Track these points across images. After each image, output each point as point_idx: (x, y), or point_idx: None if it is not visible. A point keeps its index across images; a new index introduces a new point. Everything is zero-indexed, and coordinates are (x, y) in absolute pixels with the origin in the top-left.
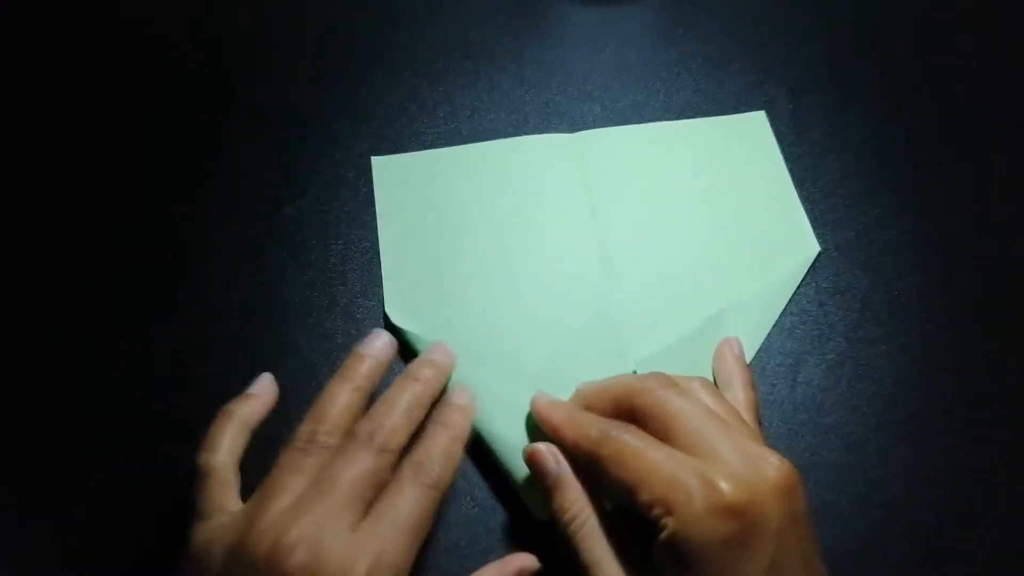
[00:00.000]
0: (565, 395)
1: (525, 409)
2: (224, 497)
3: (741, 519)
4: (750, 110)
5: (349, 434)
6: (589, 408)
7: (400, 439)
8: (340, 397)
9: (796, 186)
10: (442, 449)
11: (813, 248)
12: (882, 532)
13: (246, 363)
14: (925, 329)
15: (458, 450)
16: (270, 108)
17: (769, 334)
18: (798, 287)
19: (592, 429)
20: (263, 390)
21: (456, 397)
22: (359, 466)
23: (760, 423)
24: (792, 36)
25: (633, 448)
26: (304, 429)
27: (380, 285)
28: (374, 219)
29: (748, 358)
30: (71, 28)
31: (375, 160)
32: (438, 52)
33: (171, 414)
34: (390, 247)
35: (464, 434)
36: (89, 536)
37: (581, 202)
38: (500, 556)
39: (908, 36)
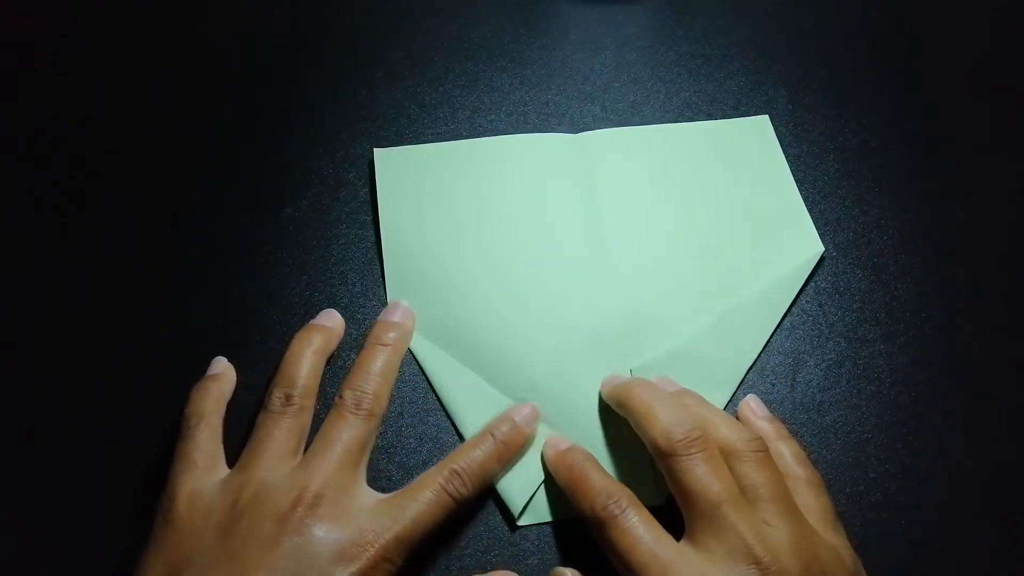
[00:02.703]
0: (565, 396)
1: None
2: (216, 447)
3: None
4: (750, 110)
5: (338, 402)
6: (608, 400)
7: (383, 404)
8: (303, 362)
9: (797, 187)
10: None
11: (817, 248)
12: (881, 532)
13: (247, 363)
14: (925, 329)
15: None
16: (270, 108)
17: (769, 335)
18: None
19: (600, 497)
20: (224, 368)
21: (391, 313)
22: (354, 430)
23: (837, 528)
24: (792, 36)
25: (631, 537)
26: (277, 394)
27: (380, 285)
28: (374, 219)
29: (751, 359)
30: (70, 28)
31: (377, 152)
32: (438, 52)
33: (171, 415)
34: (392, 241)
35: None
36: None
37: (582, 203)
38: (500, 556)
39: (908, 36)
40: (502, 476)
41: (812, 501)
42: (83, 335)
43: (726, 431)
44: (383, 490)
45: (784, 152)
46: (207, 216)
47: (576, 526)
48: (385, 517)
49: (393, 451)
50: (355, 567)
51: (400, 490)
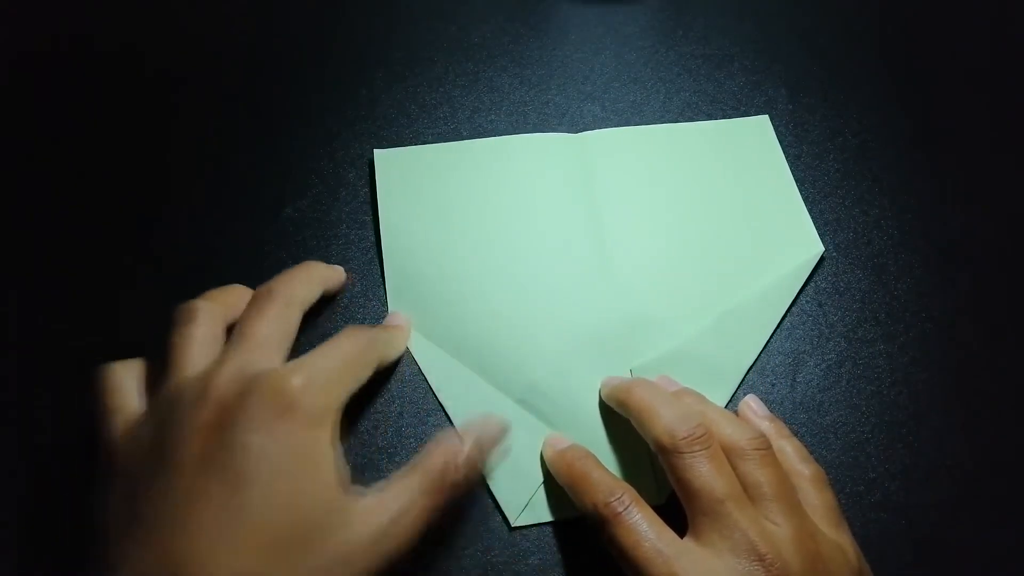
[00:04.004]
0: (565, 395)
1: (519, 412)
2: (208, 352)
3: None
4: (750, 110)
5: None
6: (608, 401)
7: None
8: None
9: (797, 187)
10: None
11: (817, 248)
12: (881, 532)
13: None
14: (924, 329)
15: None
16: (270, 108)
17: (769, 334)
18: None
19: (602, 495)
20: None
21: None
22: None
23: (841, 524)
24: (792, 36)
25: (635, 534)
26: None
27: (380, 285)
28: (374, 219)
29: (751, 361)
30: (70, 28)
31: (377, 153)
32: (438, 52)
33: None
34: (392, 241)
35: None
36: None
37: (583, 203)
38: (500, 556)
39: (908, 36)
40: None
41: (816, 498)
42: (83, 335)
43: (729, 429)
44: None
45: (784, 152)
46: (207, 216)
47: (575, 526)
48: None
49: (393, 451)
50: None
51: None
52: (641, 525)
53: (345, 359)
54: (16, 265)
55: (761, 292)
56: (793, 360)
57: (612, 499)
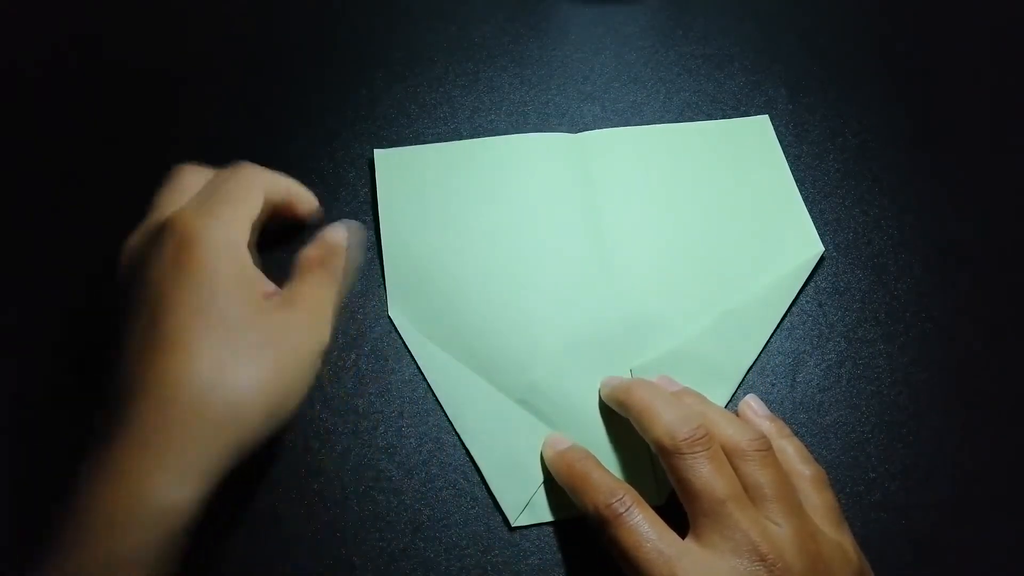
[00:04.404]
0: (565, 396)
1: (519, 412)
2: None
3: None
4: (750, 110)
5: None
6: (608, 401)
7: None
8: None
9: (796, 187)
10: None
11: (817, 248)
12: (881, 532)
13: None
14: (924, 329)
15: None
16: (270, 108)
17: (769, 334)
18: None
19: (603, 496)
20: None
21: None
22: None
23: (842, 524)
24: (792, 36)
25: (636, 535)
26: None
27: (381, 285)
28: (374, 219)
29: (751, 361)
30: (70, 29)
31: (378, 153)
32: (438, 52)
33: None
34: (392, 241)
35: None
36: None
37: (583, 203)
38: (500, 556)
39: (908, 36)
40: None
41: (816, 498)
42: (82, 336)
43: (729, 430)
44: (384, 492)
45: (784, 152)
46: None
47: (575, 526)
48: None
49: (393, 451)
50: None
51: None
52: (642, 526)
53: (234, 189)
54: (16, 265)
55: (761, 292)
56: (793, 360)
57: (613, 500)
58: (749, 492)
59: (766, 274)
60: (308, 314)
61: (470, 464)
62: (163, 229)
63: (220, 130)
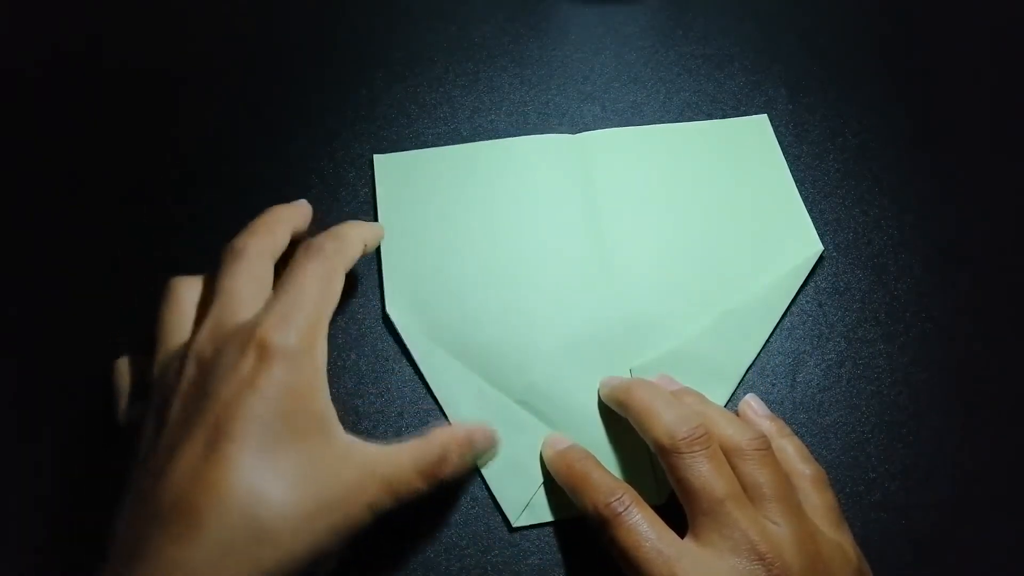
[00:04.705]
0: (565, 396)
1: (519, 413)
2: (261, 288)
3: None
4: (750, 111)
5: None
6: (608, 401)
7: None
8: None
9: (796, 187)
10: (345, 232)
11: (816, 247)
12: (881, 532)
13: None
14: (925, 329)
15: (361, 237)
16: (270, 108)
17: (768, 334)
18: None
19: (602, 495)
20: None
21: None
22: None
23: (841, 524)
24: (792, 36)
25: (636, 535)
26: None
27: (380, 285)
28: (374, 219)
29: (750, 360)
30: (70, 29)
31: (377, 158)
32: (438, 52)
33: None
34: (391, 246)
35: (374, 233)
36: None
37: (582, 203)
38: (500, 556)
39: (908, 36)
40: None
41: (816, 498)
42: (82, 336)
43: (729, 429)
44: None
45: (784, 152)
46: (207, 216)
47: (575, 526)
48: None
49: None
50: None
51: None
52: (641, 526)
53: (312, 287)
54: (16, 265)
55: (760, 291)
56: (793, 360)
57: (612, 500)
58: (748, 492)
59: (765, 273)
60: (360, 470)
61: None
62: (242, 343)
63: (220, 130)
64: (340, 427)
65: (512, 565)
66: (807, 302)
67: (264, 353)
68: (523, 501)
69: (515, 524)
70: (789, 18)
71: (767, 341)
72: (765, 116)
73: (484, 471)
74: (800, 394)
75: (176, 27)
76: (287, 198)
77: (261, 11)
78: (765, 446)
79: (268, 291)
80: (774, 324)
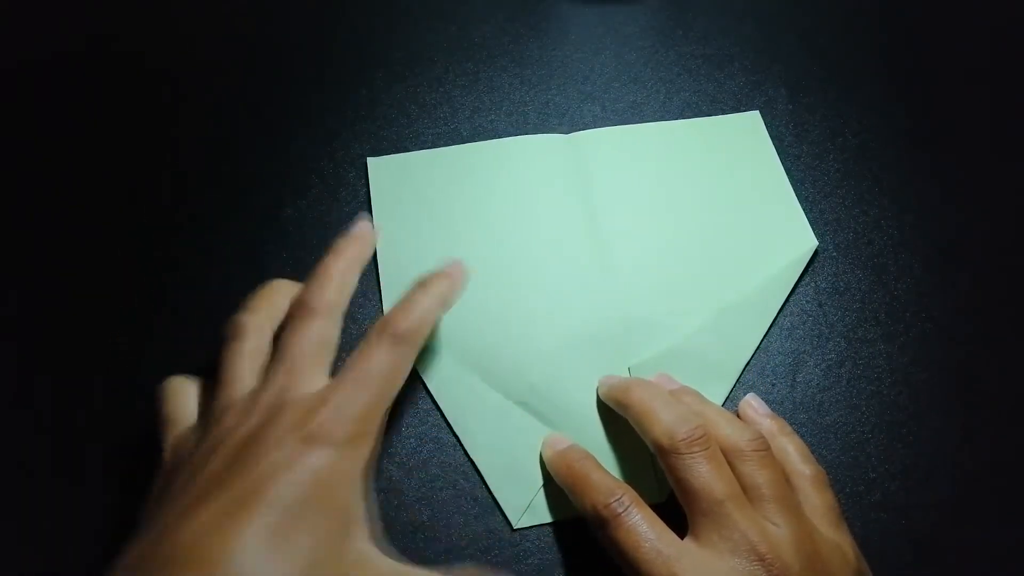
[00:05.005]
0: (564, 396)
1: (518, 413)
2: (256, 366)
3: None
4: (749, 110)
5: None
6: (607, 400)
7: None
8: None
9: (795, 186)
10: (418, 308)
11: (811, 243)
12: (881, 532)
13: None
14: (924, 329)
15: (435, 309)
16: (270, 108)
17: (768, 334)
18: (797, 287)
19: (602, 496)
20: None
21: (447, 266)
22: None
23: (840, 524)
24: (792, 36)
25: (635, 535)
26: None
27: (379, 286)
28: (372, 220)
29: (748, 357)
30: (70, 30)
31: (371, 161)
32: (438, 52)
33: None
34: (387, 248)
35: (445, 298)
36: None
37: (577, 203)
38: (500, 556)
39: (907, 36)
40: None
41: (816, 498)
42: (81, 337)
43: (728, 429)
44: (384, 492)
45: (784, 152)
46: (207, 216)
47: (576, 526)
48: None
49: (393, 451)
50: None
51: None
52: (641, 526)
53: (377, 376)
54: (16, 265)
55: (757, 288)
56: (793, 360)
57: (612, 500)
58: (747, 492)
59: (761, 270)
60: None
61: (470, 464)
62: (295, 422)
63: (220, 130)
64: (365, 529)
65: (513, 566)
66: (807, 302)
67: (311, 439)
68: (524, 502)
69: (516, 526)
70: (789, 18)
71: (767, 341)
72: (757, 112)
73: (484, 473)
74: (800, 394)
75: (176, 27)
76: (287, 198)
77: (261, 11)
78: (764, 447)
79: (334, 349)
80: (771, 321)
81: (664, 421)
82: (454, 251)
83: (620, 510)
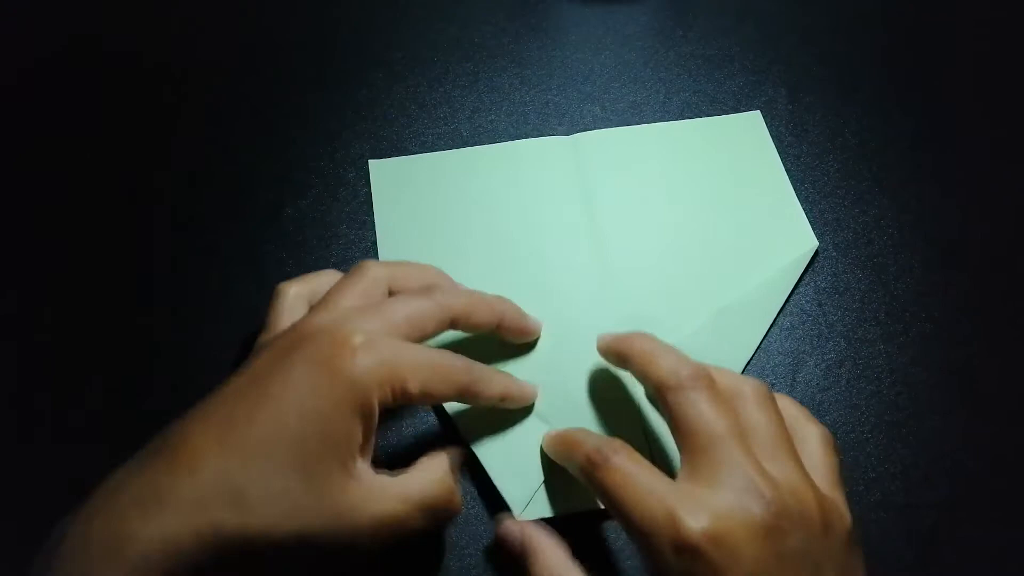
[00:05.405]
0: (564, 397)
1: (521, 414)
2: (288, 320)
3: (702, 559)
4: (749, 110)
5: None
6: (607, 355)
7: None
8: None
9: (795, 186)
10: (464, 293)
11: (811, 243)
12: (881, 532)
13: None
14: (924, 329)
15: (479, 299)
16: (270, 108)
17: (768, 334)
18: (797, 286)
19: (590, 445)
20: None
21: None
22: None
23: (839, 486)
24: (792, 36)
25: (624, 473)
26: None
27: None
28: (374, 219)
29: (748, 357)
30: (70, 29)
31: (372, 163)
32: (438, 52)
33: (171, 414)
34: (388, 251)
35: (495, 306)
36: None
37: (578, 204)
38: (500, 556)
39: (908, 36)
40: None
41: (820, 456)
42: (81, 337)
43: (732, 378)
44: None
45: (784, 152)
46: (207, 216)
47: (578, 527)
48: None
49: (393, 451)
50: None
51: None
52: (632, 467)
53: (410, 318)
54: (16, 265)
55: (757, 289)
56: (793, 360)
57: (602, 445)
58: (748, 434)
59: (761, 270)
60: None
61: (470, 463)
62: (335, 340)
63: (220, 130)
64: (358, 451)
65: (512, 566)
66: (807, 302)
67: (332, 358)
68: (527, 495)
69: (519, 518)
70: (789, 18)
71: (766, 341)
72: (758, 112)
73: (487, 467)
74: (800, 394)
75: (176, 27)
76: (287, 198)
77: (261, 11)
78: (768, 394)
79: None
80: (771, 321)
81: (669, 361)
82: (455, 253)
83: (611, 453)
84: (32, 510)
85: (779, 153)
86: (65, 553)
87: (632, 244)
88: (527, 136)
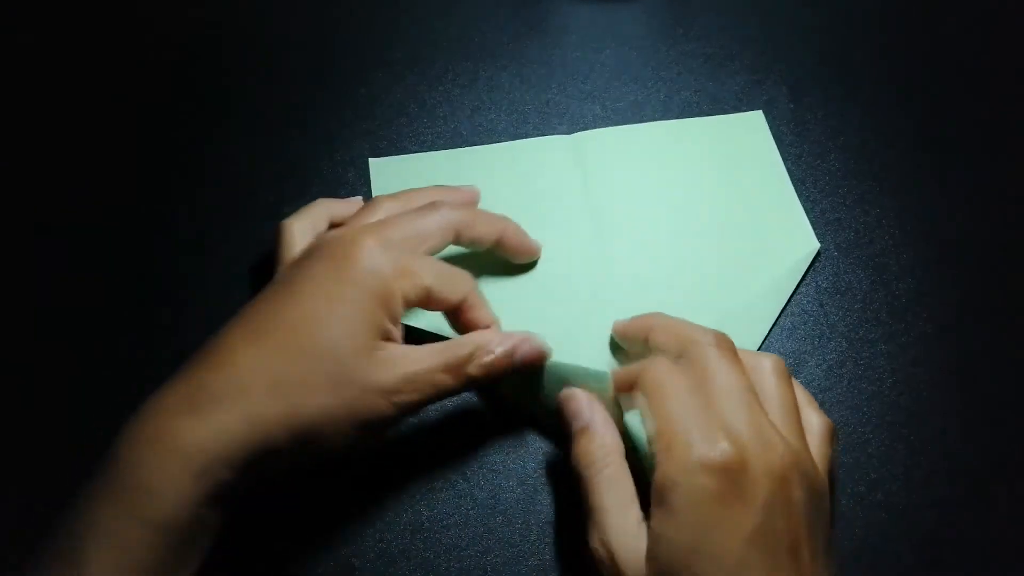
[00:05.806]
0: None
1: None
2: (299, 249)
3: (729, 481)
4: (751, 109)
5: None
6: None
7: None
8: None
9: (796, 186)
10: (467, 207)
11: (812, 244)
12: (882, 532)
13: None
14: (925, 329)
15: (480, 212)
16: (270, 108)
17: (769, 334)
18: (798, 286)
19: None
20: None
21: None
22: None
23: (832, 449)
24: (792, 36)
25: (668, 387)
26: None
27: None
28: None
29: None
30: (70, 26)
31: (372, 162)
32: (438, 52)
33: None
34: None
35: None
36: None
37: (579, 203)
38: (500, 557)
39: (909, 36)
40: None
41: (817, 443)
42: (81, 336)
43: (751, 352)
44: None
45: (785, 151)
46: (207, 216)
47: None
48: None
49: (393, 452)
50: None
51: None
52: (679, 383)
53: (418, 231)
54: (16, 265)
55: (758, 290)
56: (794, 360)
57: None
58: (763, 397)
59: (762, 272)
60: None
61: (470, 464)
62: (374, 232)
63: (220, 130)
64: (382, 334)
65: (512, 566)
66: (808, 302)
67: (348, 255)
68: None
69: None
70: (790, 17)
71: (767, 341)
72: (760, 112)
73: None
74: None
75: (176, 27)
76: (287, 198)
77: (261, 11)
78: (785, 368)
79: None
80: (772, 322)
81: (696, 327)
82: (454, 251)
83: (659, 365)
84: (32, 510)
85: (780, 153)
86: (120, 454)
87: (633, 244)
88: (527, 135)
